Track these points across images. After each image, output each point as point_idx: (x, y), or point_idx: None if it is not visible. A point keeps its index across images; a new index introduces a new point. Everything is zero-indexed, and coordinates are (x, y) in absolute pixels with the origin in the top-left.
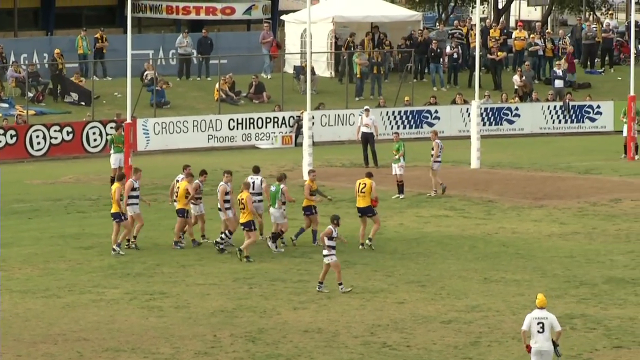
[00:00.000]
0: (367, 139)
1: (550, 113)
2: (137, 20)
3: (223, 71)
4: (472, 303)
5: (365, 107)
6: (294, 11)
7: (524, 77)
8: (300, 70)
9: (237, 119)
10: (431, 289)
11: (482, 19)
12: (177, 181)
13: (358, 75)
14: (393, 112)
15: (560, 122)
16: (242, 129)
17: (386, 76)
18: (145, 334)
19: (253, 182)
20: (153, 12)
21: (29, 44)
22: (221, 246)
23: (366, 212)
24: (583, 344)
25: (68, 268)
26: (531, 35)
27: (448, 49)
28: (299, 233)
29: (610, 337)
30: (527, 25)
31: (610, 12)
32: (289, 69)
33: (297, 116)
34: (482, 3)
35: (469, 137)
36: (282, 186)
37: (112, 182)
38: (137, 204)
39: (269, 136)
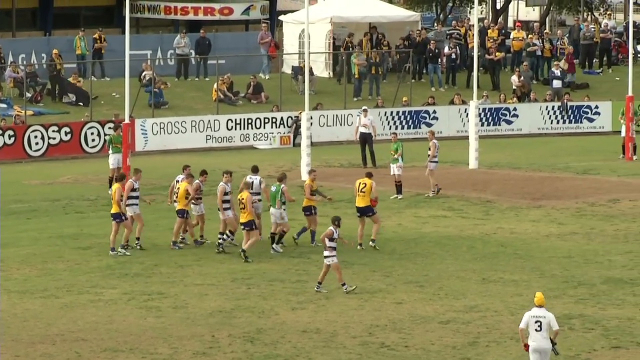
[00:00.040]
0: (366, 140)
1: (548, 113)
2: (135, 20)
3: (221, 71)
4: (470, 303)
5: (364, 107)
6: (292, 11)
7: (522, 78)
8: (298, 71)
9: (235, 120)
10: (429, 289)
11: (480, 19)
12: (177, 182)
13: (356, 76)
14: (391, 113)
15: (558, 122)
16: (240, 129)
17: (384, 76)
18: (143, 334)
19: (252, 182)
20: (151, 12)
21: (27, 44)
22: (221, 247)
23: (365, 212)
24: (581, 344)
25: (66, 268)
26: (529, 36)
27: (446, 50)
28: (301, 232)
29: (608, 337)
30: (525, 25)
31: (608, 12)
32: (287, 69)
33: (295, 116)
34: (480, 3)
35: (467, 138)
36: (282, 186)
37: (110, 182)
38: (137, 204)
39: (267, 136)
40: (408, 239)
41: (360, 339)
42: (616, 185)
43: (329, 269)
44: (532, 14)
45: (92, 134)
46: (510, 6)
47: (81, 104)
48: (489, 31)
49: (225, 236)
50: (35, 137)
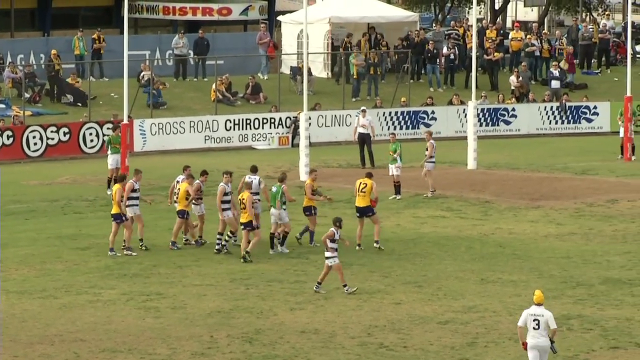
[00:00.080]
0: (364, 140)
1: (547, 114)
2: (134, 20)
3: (220, 72)
4: (468, 304)
5: (362, 107)
6: (290, 12)
7: (520, 78)
8: (297, 71)
9: (234, 120)
10: (428, 290)
11: (479, 20)
12: (178, 182)
13: (355, 76)
14: (390, 113)
15: (557, 122)
16: (238, 129)
17: (383, 77)
18: (142, 334)
19: (251, 182)
20: (150, 12)
21: (26, 44)
22: (225, 248)
23: (365, 212)
24: (580, 345)
25: (65, 269)
26: (528, 36)
27: (445, 50)
28: (303, 231)
29: (607, 337)
30: (524, 26)
31: (606, 12)
32: (285, 69)
33: (293, 117)
34: (478, 4)
35: (465, 138)
36: (283, 186)
37: (109, 182)
38: (137, 205)
39: (266, 137)
40: (407, 239)
41: (359, 340)
42: (615, 186)
43: (330, 270)
44: (531, 14)
45: (90, 134)
46: (509, 6)
47: (79, 104)
48: (488, 31)
49: (227, 237)
50: (34, 137)
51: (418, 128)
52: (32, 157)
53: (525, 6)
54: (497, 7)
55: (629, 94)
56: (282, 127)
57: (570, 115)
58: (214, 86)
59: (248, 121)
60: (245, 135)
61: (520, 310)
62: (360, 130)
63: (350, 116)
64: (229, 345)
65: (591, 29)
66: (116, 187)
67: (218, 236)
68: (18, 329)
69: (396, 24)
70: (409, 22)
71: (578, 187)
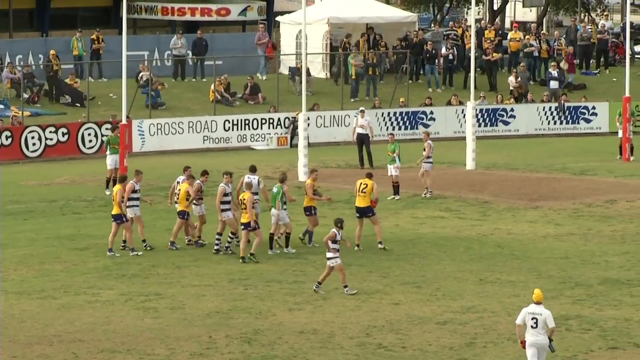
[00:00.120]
0: (363, 140)
1: (545, 114)
2: (133, 21)
3: (218, 72)
4: (467, 304)
5: (361, 108)
6: (289, 12)
7: (519, 78)
8: (295, 72)
9: (233, 120)
10: (426, 290)
11: (477, 20)
12: (178, 183)
13: (353, 77)
14: (388, 113)
15: (555, 123)
16: (237, 130)
17: (381, 77)
18: (140, 335)
19: (250, 181)
20: (148, 13)
21: (24, 45)
22: (216, 247)
23: (366, 212)
24: (578, 345)
25: (63, 269)
26: (526, 37)
27: (443, 50)
28: (306, 232)
29: (605, 338)
30: (523, 26)
31: (605, 13)
32: (284, 70)
33: (292, 117)
34: (477, 4)
35: (464, 138)
36: (283, 187)
37: (108, 183)
38: (137, 206)
39: (265, 137)
40: (405, 239)
41: (358, 340)
42: (613, 186)
43: (331, 270)
44: (529, 14)
45: (89, 134)
46: (508, 7)
47: (78, 104)
48: (486, 32)
49: (228, 238)
50: (33, 137)
51: (417, 128)
52: (31, 158)
53: (523, 6)
54: (495, 7)
55: (627, 94)
56: (281, 128)
57: (569, 116)
58: (212, 86)
59: (247, 121)
60: (244, 136)
61: (518, 311)
62: (359, 130)
63: (349, 116)
64: (227, 346)
65: (590, 30)
66: (117, 187)
67: (217, 236)
68: (17, 329)
69: (395, 25)
70: (408, 23)
71: (577, 188)
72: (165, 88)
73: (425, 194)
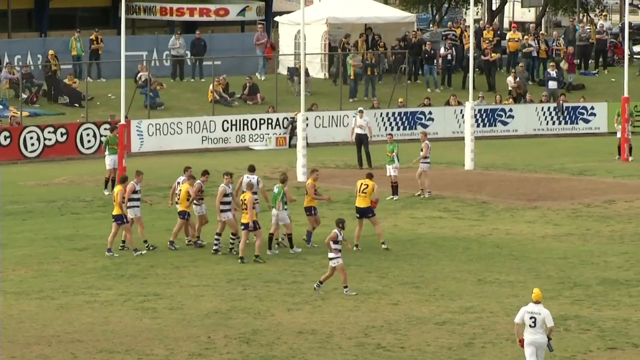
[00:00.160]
0: (361, 140)
1: (544, 114)
2: (131, 21)
3: (217, 72)
4: (466, 304)
5: (359, 108)
6: (287, 12)
7: (517, 79)
8: (294, 72)
9: (231, 120)
10: (425, 290)
11: (476, 21)
12: (178, 183)
13: (352, 77)
14: (387, 114)
15: (554, 123)
16: (236, 130)
17: (380, 77)
18: (139, 335)
19: (249, 181)
20: (147, 13)
21: (23, 45)
22: (215, 247)
23: (366, 213)
24: (577, 345)
25: (62, 269)
26: (525, 37)
27: (442, 51)
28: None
29: (604, 338)
30: (521, 26)
31: (604, 13)
32: (283, 70)
33: (291, 117)
34: (475, 4)
35: (462, 139)
36: (284, 187)
37: (106, 183)
38: (138, 206)
39: (263, 137)
40: (404, 240)
41: (356, 340)
42: (612, 186)
43: (334, 271)
44: (528, 15)
45: (87, 135)
46: (506, 7)
47: (76, 105)
48: (485, 32)
49: (231, 239)
50: (31, 138)
51: (415, 129)
52: (30, 158)
53: (522, 7)
54: (494, 7)
55: (626, 94)
56: (280, 128)
57: (568, 116)
58: (211, 87)
59: (245, 122)
60: (243, 136)
61: (517, 311)
62: (358, 130)
63: (348, 117)
64: (226, 346)
65: (588, 30)
66: (118, 188)
67: (216, 237)
68: (15, 329)
69: (393, 25)
70: (406, 23)
71: (575, 188)
72: (164, 88)
73: (419, 194)
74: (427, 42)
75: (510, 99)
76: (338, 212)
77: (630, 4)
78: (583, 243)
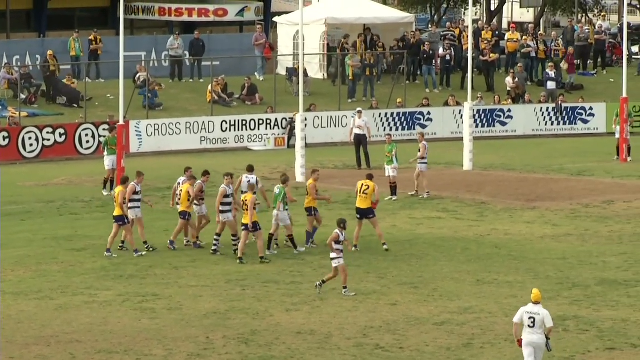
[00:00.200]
0: (360, 141)
1: (542, 115)
2: (130, 22)
3: (215, 73)
4: (464, 305)
5: (358, 108)
6: (286, 13)
7: (516, 79)
8: (293, 72)
9: (230, 121)
10: (424, 291)
11: (475, 21)
12: (179, 184)
13: (350, 77)
14: (386, 114)
15: (552, 123)
16: (234, 130)
17: (379, 78)
18: (138, 335)
19: (248, 181)
20: (145, 14)
21: (22, 45)
22: (214, 247)
23: (366, 214)
24: (576, 346)
25: (61, 270)
26: (524, 37)
27: (441, 51)
28: (313, 233)
29: (602, 338)
30: (520, 27)
31: (602, 13)
32: (281, 70)
33: (289, 118)
34: (474, 5)
35: (461, 139)
36: (285, 188)
37: (105, 184)
38: (139, 207)
39: (262, 138)
40: (402, 240)
41: (355, 341)
42: (610, 187)
43: (337, 272)
44: (527, 15)
45: (86, 135)
46: (505, 7)
47: (75, 105)
48: (483, 32)
49: (232, 241)
50: (30, 138)
51: (414, 129)
52: (28, 158)
53: (521, 7)
54: (493, 8)
55: (624, 95)
56: (278, 128)
57: (566, 117)
58: (210, 87)
59: (244, 122)
60: (241, 136)
61: (516, 311)
62: (356, 131)
63: (346, 117)
64: (225, 347)
65: (587, 30)
66: (119, 189)
67: (216, 237)
68: (14, 330)
69: (392, 25)
70: (405, 23)
71: (574, 188)
72: (163, 89)
73: (412, 194)
74: (426, 43)
75: (509, 100)
76: (337, 213)
77: (629, 4)
78: (582, 243)
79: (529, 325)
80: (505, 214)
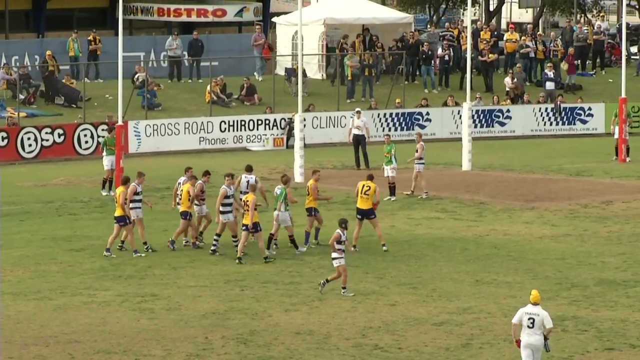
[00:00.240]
0: (359, 141)
1: (541, 115)
2: (129, 22)
3: (214, 73)
4: (463, 305)
5: (357, 109)
6: (285, 13)
7: (515, 79)
8: (291, 72)
9: (229, 121)
10: (423, 291)
11: (473, 21)
12: (180, 184)
13: (349, 78)
14: (384, 114)
15: (551, 124)
16: (233, 131)
17: (377, 78)
18: (136, 336)
19: (247, 181)
20: (144, 14)
21: (20, 46)
22: (213, 247)
23: (368, 214)
24: (574, 346)
25: (59, 270)
26: (522, 37)
27: (439, 51)
28: (316, 234)
29: (601, 339)
30: (519, 27)
31: (601, 14)
32: (280, 71)
33: (288, 118)
34: (473, 5)
35: (460, 139)
36: (287, 189)
37: (104, 184)
38: (139, 207)
39: (261, 138)
40: (401, 240)
41: (354, 341)
42: (609, 187)
43: (340, 273)
44: (525, 15)
45: (85, 135)
46: (503, 8)
47: (73, 105)
48: (482, 33)
49: (233, 241)
50: (29, 138)
51: (413, 129)
52: (27, 159)
53: (519, 7)
54: (491, 8)
55: (623, 95)
56: (277, 129)
57: (565, 117)
58: (208, 87)
59: (243, 122)
60: (240, 137)
61: (514, 312)
62: (355, 131)
63: (345, 117)
64: (223, 347)
65: (586, 31)
66: (120, 189)
67: (215, 237)
68: (13, 330)
69: (391, 26)
70: (404, 24)
71: (573, 189)
72: (161, 89)
73: (408, 194)
74: (425, 43)
75: (508, 100)
76: (335, 213)
77: (628, 5)
78: (580, 244)
79: (528, 326)
80: (504, 214)
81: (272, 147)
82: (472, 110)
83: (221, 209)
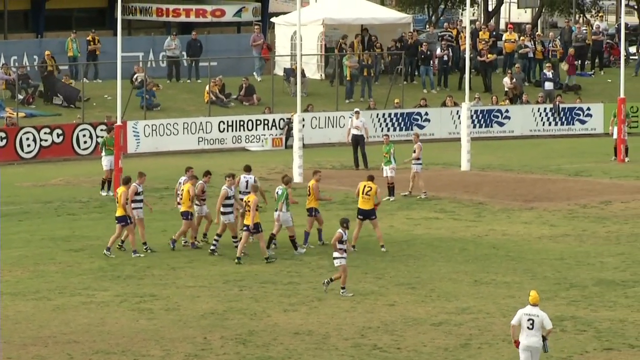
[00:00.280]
0: (358, 141)
1: (540, 115)
2: (127, 22)
3: (213, 73)
4: (462, 305)
5: (356, 109)
6: (284, 13)
7: (514, 80)
8: (290, 73)
9: (227, 121)
10: (421, 291)
11: (472, 21)
12: (180, 184)
13: (348, 78)
14: (383, 115)
15: (550, 124)
16: (232, 131)
17: (376, 78)
18: (135, 336)
19: (247, 181)
20: (143, 14)
21: (19, 46)
22: (213, 247)
23: (369, 215)
24: (573, 346)
25: (58, 270)
26: (521, 38)
27: (438, 51)
28: (319, 234)
29: (600, 339)
30: (517, 27)
31: (600, 14)
32: (279, 71)
33: (287, 118)
34: (472, 5)
35: (459, 140)
36: (288, 189)
37: (103, 184)
38: (140, 208)
39: (259, 138)
40: (400, 240)
41: (353, 341)
42: (608, 187)
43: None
44: (524, 15)
45: (84, 136)
46: (502, 8)
47: (72, 106)
48: (481, 33)
49: (233, 242)
50: (27, 139)
51: (412, 129)
52: (26, 159)
53: (518, 8)
54: (490, 8)
55: (622, 95)
56: (276, 129)
57: (564, 117)
58: (207, 88)
59: (241, 123)
60: (239, 137)
61: (513, 312)
62: (354, 131)
63: (344, 118)
64: (222, 347)
65: (584, 31)
66: (121, 189)
67: (216, 237)
68: (11, 330)
69: (390, 26)
70: (403, 24)
71: (571, 189)
72: (160, 89)
73: (405, 194)
74: (424, 43)
75: (507, 100)
76: (334, 213)
77: (627, 5)
78: (579, 244)
79: (528, 327)
80: (502, 214)
81: (271, 147)
82: (471, 111)
83: (222, 209)
